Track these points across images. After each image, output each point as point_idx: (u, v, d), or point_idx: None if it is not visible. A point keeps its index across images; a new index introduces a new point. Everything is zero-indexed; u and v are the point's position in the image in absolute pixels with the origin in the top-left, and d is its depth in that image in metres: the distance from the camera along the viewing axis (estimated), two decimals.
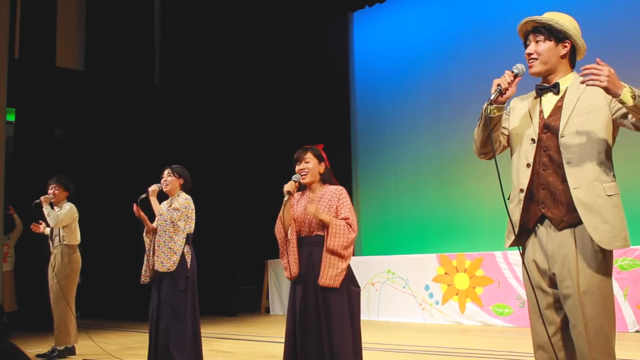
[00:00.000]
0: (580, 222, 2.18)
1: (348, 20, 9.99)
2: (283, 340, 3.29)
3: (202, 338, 4.35)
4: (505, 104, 2.34)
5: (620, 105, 2.12)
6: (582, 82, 2.13)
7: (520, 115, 2.40)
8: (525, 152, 2.33)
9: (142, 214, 4.31)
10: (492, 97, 2.26)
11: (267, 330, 7.10)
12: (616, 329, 2.22)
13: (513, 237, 2.35)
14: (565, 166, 2.22)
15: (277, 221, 3.29)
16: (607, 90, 2.04)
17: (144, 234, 4.39)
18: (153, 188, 4.44)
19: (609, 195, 2.18)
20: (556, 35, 2.30)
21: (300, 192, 3.38)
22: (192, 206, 4.34)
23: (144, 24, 9.34)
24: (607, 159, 2.22)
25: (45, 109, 8.40)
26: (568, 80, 2.32)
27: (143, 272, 4.32)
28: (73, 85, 9.20)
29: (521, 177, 2.33)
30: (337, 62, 9.87)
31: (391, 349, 5.38)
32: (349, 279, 3.18)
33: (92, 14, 9.43)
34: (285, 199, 3.17)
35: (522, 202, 2.31)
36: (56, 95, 8.56)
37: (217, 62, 9.34)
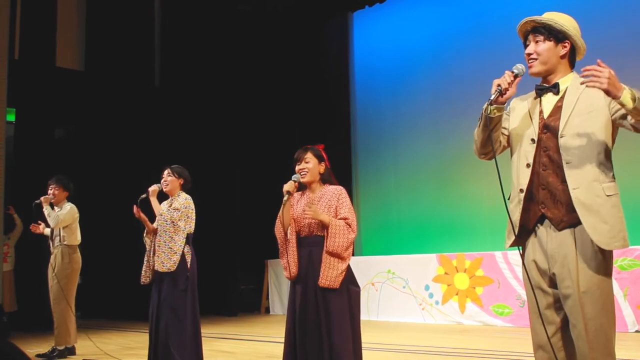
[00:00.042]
0: (580, 222, 2.18)
1: (348, 20, 9.99)
2: (283, 340, 3.29)
3: (202, 338, 4.35)
4: (506, 104, 2.34)
5: (619, 107, 2.12)
6: (582, 83, 2.13)
7: (520, 116, 2.40)
8: (525, 152, 2.33)
9: (142, 215, 4.30)
10: (492, 98, 2.26)
11: (267, 330, 7.10)
12: (616, 329, 2.22)
13: (513, 238, 2.35)
14: (565, 166, 2.22)
15: (277, 221, 3.29)
16: (607, 92, 2.04)
17: (145, 235, 4.39)
18: (153, 188, 4.44)
19: (608, 196, 2.18)
20: (556, 35, 2.30)
21: (300, 192, 3.38)
22: (192, 206, 4.34)
23: (144, 24, 9.34)
24: (606, 159, 2.22)
25: (45, 109, 8.40)
26: (568, 81, 2.33)
27: (143, 272, 4.32)
28: (73, 85, 9.20)
29: (521, 177, 2.33)
30: (337, 62, 9.87)
31: (391, 349, 5.38)
32: (349, 279, 3.18)
33: (92, 14, 9.44)
34: (285, 198, 3.17)
35: (522, 202, 2.31)
36: (56, 95, 8.57)
37: (217, 62, 9.34)
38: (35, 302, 7.33)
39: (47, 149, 8.34)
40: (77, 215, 5.55)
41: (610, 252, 2.21)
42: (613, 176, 2.24)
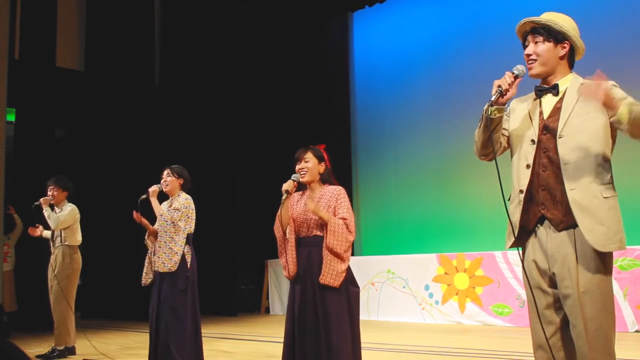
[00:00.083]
0: None
1: (348, 20, 10.00)
2: (283, 340, 3.29)
3: (202, 338, 4.35)
4: (506, 105, 2.34)
5: (622, 101, 2.13)
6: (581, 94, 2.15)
7: (521, 117, 2.40)
8: (526, 153, 2.33)
9: (143, 220, 4.29)
10: (492, 99, 2.26)
11: (267, 330, 7.10)
12: (616, 329, 2.22)
13: (513, 239, 2.35)
14: (562, 167, 2.22)
15: (276, 220, 3.29)
16: (604, 105, 2.06)
17: (146, 238, 4.38)
18: (153, 189, 4.43)
19: (605, 197, 2.18)
20: (555, 36, 2.30)
21: (300, 192, 3.38)
22: (193, 206, 4.33)
23: (144, 24, 9.34)
24: (605, 161, 2.22)
25: (45, 109, 8.40)
26: (567, 81, 2.33)
27: (144, 273, 4.31)
28: (73, 85, 9.20)
29: (521, 178, 2.33)
30: (337, 62, 9.87)
31: (391, 349, 5.38)
32: (348, 279, 3.18)
33: (92, 14, 9.44)
34: (283, 197, 3.17)
35: (522, 203, 2.31)
36: (56, 95, 8.56)
37: (217, 62, 9.34)
38: (35, 302, 7.33)
39: (47, 149, 8.33)
40: (78, 215, 5.54)
41: (610, 252, 2.21)
42: (611, 178, 2.23)
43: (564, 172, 2.22)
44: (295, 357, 3.15)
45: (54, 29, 8.62)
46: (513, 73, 2.29)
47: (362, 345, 3.26)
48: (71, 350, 5.43)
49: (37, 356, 5.32)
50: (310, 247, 3.20)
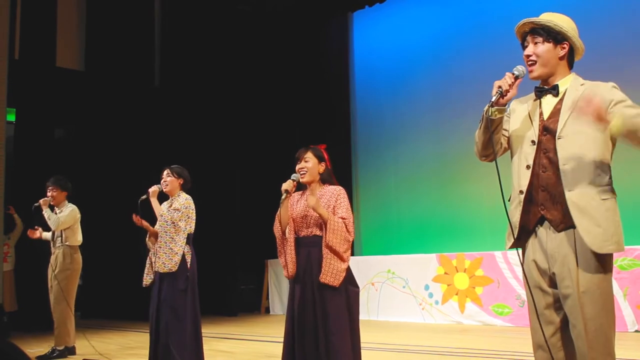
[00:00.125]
0: None
1: (348, 20, 9.99)
2: (282, 340, 3.29)
3: (203, 338, 4.35)
4: (506, 106, 2.34)
5: (616, 113, 2.14)
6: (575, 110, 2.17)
7: (521, 118, 2.40)
8: (526, 154, 2.33)
9: (144, 222, 4.28)
10: (493, 99, 2.26)
11: (267, 330, 7.10)
12: (616, 329, 2.22)
13: (513, 240, 2.36)
14: (561, 168, 2.22)
15: (276, 220, 3.29)
16: (595, 120, 2.10)
17: (147, 239, 4.38)
18: (153, 189, 4.42)
19: (603, 199, 2.18)
20: (554, 36, 2.30)
21: (299, 192, 3.38)
22: (193, 206, 4.33)
23: (144, 24, 9.35)
24: (604, 162, 2.22)
25: (45, 109, 8.41)
26: (567, 82, 2.33)
27: (145, 274, 4.30)
28: (73, 85, 9.20)
29: (521, 178, 2.33)
30: (337, 62, 9.87)
31: (391, 349, 5.38)
32: (348, 279, 3.17)
33: (92, 14, 9.44)
34: (283, 197, 3.17)
35: (522, 204, 2.32)
36: (56, 95, 8.57)
37: (217, 62, 9.34)
38: (35, 302, 7.33)
39: (47, 149, 8.34)
40: (78, 216, 5.54)
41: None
42: (610, 180, 2.23)
43: (562, 173, 2.22)
44: (295, 357, 3.15)
45: (54, 29, 8.63)
46: (513, 74, 2.29)
47: (362, 345, 3.26)
48: (71, 350, 5.43)
49: (37, 356, 5.32)
50: (310, 247, 3.19)
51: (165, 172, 4.38)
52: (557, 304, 2.27)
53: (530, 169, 2.30)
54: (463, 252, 7.26)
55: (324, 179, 3.32)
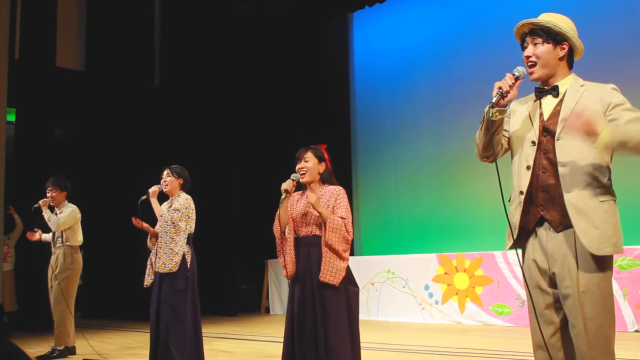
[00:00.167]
0: None
1: (348, 20, 9.99)
2: (282, 340, 3.29)
3: (203, 338, 4.35)
4: (507, 107, 2.33)
5: (614, 117, 2.15)
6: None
7: (521, 118, 2.40)
8: (526, 155, 2.33)
9: (144, 224, 4.27)
10: (493, 100, 2.25)
11: (267, 330, 7.11)
12: (615, 329, 2.22)
13: (513, 240, 2.36)
14: (559, 169, 2.22)
15: (275, 219, 3.29)
16: (584, 135, 2.10)
17: (148, 240, 4.37)
18: (153, 189, 4.42)
19: (601, 201, 2.18)
20: (554, 37, 2.30)
21: (299, 192, 3.38)
22: (193, 206, 4.33)
23: (144, 24, 9.34)
24: (602, 164, 2.21)
25: (45, 109, 8.41)
26: (567, 83, 2.33)
27: (147, 275, 4.30)
28: (73, 85, 9.20)
29: (521, 179, 2.33)
30: (337, 62, 9.87)
31: (391, 349, 5.38)
32: (348, 279, 3.18)
33: (92, 14, 9.44)
34: (283, 197, 3.17)
35: (522, 205, 2.32)
36: (56, 95, 8.57)
37: (217, 62, 9.34)
38: (36, 302, 7.33)
39: (47, 149, 8.34)
40: (79, 216, 5.53)
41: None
42: (609, 181, 2.23)
43: (560, 174, 2.22)
44: (295, 357, 3.15)
45: (54, 29, 8.63)
46: (514, 75, 2.29)
47: (362, 345, 3.26)
48: (71, 350, 5.43)
49: (37, 356, 5.32)
50: (310, 247, 3.20)
51: (165, 172, 4.38)
52: (557, 304, 2.27)
53: (531, 170, 2.30)
54: (463, 252, 7.26)
55: (324, 179, 3.32)
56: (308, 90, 9.99)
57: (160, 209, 4.35)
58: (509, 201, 2.41)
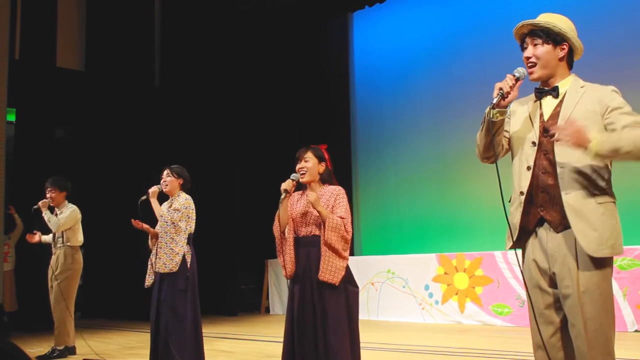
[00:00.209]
0: None
1: (348, 20, 9.99)
2: (282, 340, 3.29)
3: (203, 338, 4.35)
4: (507, 108, 2.33)
5: (611, 121, 2.15)
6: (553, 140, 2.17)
7: (521, 119, 2.40)
8: (527, 155, 2.33)
9: (144, 225, 4.27)
10: (494, 101, 2.25)
11: (267, 330, 7.11)
12: (615, 329, 2.22)
13: (512, 241, 2.36)
14: (558, 170, 2.23)
15: (275, 219, 3.29)
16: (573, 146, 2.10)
17: (149, 241, 4.37)
18: (153, 189, 4.42)
19: (599, 203, 2.18)
20: (554, 38, 2.30)
21: (299, 192, 3.38)
22: (193, 206, 4.33)
23: (144, 24, 9.35)
24: (601, 165, 2.21)
25: (46, 109, 8.41)
26: (567, 83, 2.33)
27: (147, 275, 4.29)
28: (73, 85, 9.20)
29: (522, 180, 2.33)
30: (337, 62, 9.87)
31: (391, 349, 5.38)
32: (347, 279, 3.18)
33: (92, 14, 9.44)
34: (282, 197, 3.17)
35: (522, 205, 2.32)
36: (56, 95, 8.57)
37: (217, 62, 9.34)
38: (36, 302, 7.33)
39: (47, 149, 8.34)
40: (79, 216, 5.52)
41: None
42: (608, 183, 2.23)
43: (559, 175, 2.22)
44: (294, 357, 3.15)
45: (54, 29, 8.63)
46: (514, 75, 2.29)
47: (362, 345, 3.26)
48: (71, 350, 5.43)
49: (37, 356, 5.32)
50: (309, 247, 3.20)
51: (165, 172, 4.38)
52: (557, 304, 2.27)
53: (531, 170, 2.30)
54: (463, 252, 7.26)
55: (324, 179, 3.32)
56: (308, 90, 9.99)
57: (160, 209, 4.35)
58: (510, 202, 2.41)
